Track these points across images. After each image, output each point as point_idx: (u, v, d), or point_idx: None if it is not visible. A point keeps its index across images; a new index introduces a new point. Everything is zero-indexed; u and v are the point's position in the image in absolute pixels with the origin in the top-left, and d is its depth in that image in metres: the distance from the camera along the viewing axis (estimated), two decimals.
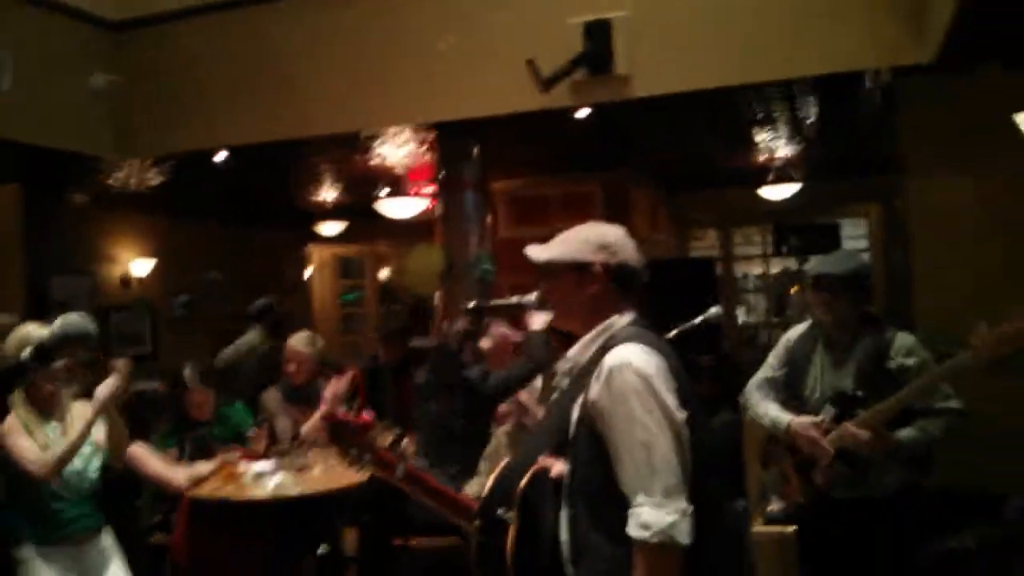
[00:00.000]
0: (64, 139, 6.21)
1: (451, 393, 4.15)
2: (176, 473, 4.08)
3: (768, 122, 6.79)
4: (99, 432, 3.39)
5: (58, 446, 3.16)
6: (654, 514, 1.84)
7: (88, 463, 3.36)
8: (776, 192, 8.90)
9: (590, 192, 8.61)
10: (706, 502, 1.96)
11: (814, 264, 3.53)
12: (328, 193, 9.36)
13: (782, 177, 8.69)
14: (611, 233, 2.16)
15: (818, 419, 3.19)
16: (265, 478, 4.10)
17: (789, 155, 8.20)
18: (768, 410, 3.35)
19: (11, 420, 3.21)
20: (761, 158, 8.31)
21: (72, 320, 1.86)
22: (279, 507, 3.98)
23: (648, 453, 1.87)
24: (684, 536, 1.86)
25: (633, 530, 1.86)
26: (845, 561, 3.23)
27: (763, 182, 8.80)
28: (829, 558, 3.27)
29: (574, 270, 2.11)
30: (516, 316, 3.94)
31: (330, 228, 10.33)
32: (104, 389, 3.16)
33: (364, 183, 8.15)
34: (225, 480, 4.06)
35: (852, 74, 4.94)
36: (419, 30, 5.65)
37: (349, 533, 5.09)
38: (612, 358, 1.97)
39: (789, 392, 3.38)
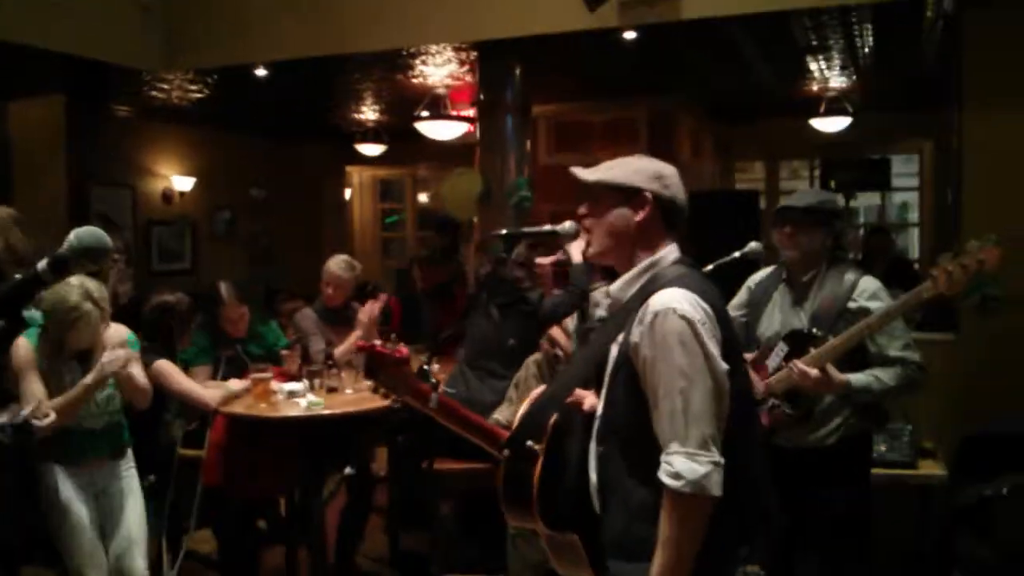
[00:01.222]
0: (110, 51, 6.19)
1: (503, 312, 4.19)
2: (207, 392, 4.13)
3: (822, 50, 6.54)
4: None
5: (59, 402, 3.18)
6: (687, 464, 1.81)
7: (108, 402, 3.42)
8: (826, 124, 8.63)
9: (634, 118, 8.43)
10: (745, 452, 1.93)
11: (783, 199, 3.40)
12: (368, 112, 9.28)
13: (833, 109, 8.42)
14: (666, 168, 2.07)
15: (750, 356, 3.07)
16: (297, 397, 4.14)
17: (842, 86, 7.94)
18: None
19: (24, 353, 3.24)
20: (813, 88, 8.05)
21: (88, 233, 1.84)
22: (310, 426, 4.02)
23: (686, 402, 1.83)
24: (715, 488, 1.82)
25: (665, 477, 1.83)
26: (789, 514, 3.15)
27: (813, 114, 8.54)
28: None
29: (624, 196, 2.02)
30: (550, 245, 3.89)
31: (370, 149, 10.25)
32: (109, 365, 3.20)
33: (405, 103, 8.05)
34: (258, 398, 4.09)
35: (914, 1, 4.72)
36: None
37: (380, 453, 5.17)
38: (657, 301, 1.89)
39: (746, 332, 3.26)
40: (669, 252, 2.02)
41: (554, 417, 2.13)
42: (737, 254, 3.57)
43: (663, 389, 1.85)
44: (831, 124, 8.62)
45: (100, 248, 1.86)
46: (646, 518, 1.89)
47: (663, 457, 1.85)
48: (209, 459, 4.08)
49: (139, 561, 3.47)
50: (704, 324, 1.87)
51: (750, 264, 3.55)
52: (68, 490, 3.34)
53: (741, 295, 3.39)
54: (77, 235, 1.83)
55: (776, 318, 3.20)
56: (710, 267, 3.49)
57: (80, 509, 3.35)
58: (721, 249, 3.59)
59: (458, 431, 2.03)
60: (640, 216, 2.01)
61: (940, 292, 2.75)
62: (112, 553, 3.43)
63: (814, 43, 6.25)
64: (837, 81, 7.72)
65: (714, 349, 1.87)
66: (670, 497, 1.83)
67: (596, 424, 2.07)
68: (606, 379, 2.05)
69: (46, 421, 2.81)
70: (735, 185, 10.72)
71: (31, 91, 7.59)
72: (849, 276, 3.09)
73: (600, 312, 3.66)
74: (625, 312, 1.98)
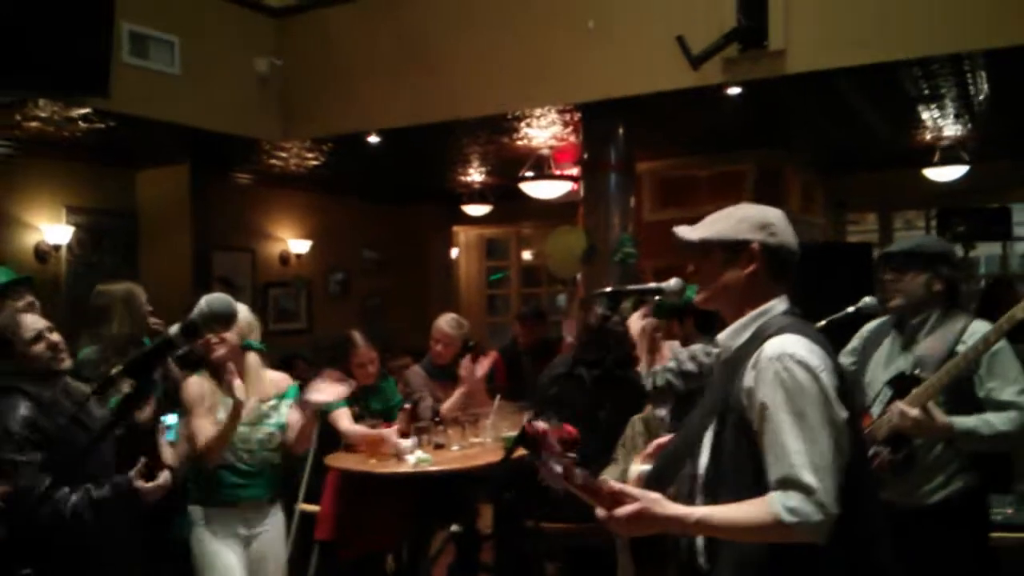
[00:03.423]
0: (231, 123, 6.55)
1: (598, 384, 4.09)
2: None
3: (934, 99, 6.38)
4: (291, 414, 3.51)
5: (215, 431, 3.29)
6: (807, 507, 1.76)
7: (267, 440, 3.47)
8: (941, 174, 8.36)
9: (742, 172, 8.32)
10: (861, 505, 1.87)
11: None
12: (475, 174, 9.48)
13: (948, 158, 8.16)
14: (771, 213, 2.04)
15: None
16: (406, 454, 4.19)
17: (956, 134, 7.70)
18: None
19: (194, 389, 3.39)
20: (926, 137, 7.83)
21: (218, 299, 1.93)
22: (417, 482, 4.06)
23: (805, 447, 1.78)
24: (822, 538, 1.77)
25: (778, 505, 1.77)
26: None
27: (927, 163, 8.29)
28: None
29: (730, 249, 2.00)
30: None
31: (476, 209, 10.45)
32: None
33: (510, 164, 8.21)
34: (369, 454, 4.17)
35: None
36: (566, 9, 5.63)
37: (486, 511, 5.17)
38: (772, 347, 1.87)
39: (853, 380, 3.10)
40: (779, 302, 1.99)
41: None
42: (851, 309, 3.47)
43: (780, 434, 1.81)
44: (946, 173, 8.35)
45: (228, 313, 1.96)
46: (754, 573, 1.85)
47: (782, 489, 1.78)
48: (322, 514, 4.16)
49: None
50: (823, 371, 1.84)
51: (865, 319, 3.45)
52: (216, 534, 3.37)
53: (853, 343, 3.30)
54: (208, 301, 1.93)
55: (883, 364, 3.10)
56: (823, 323, 3.41)
57: (228, 555, 3.38)
58: (834, 304, 3.51)
59: (588, 499, 1.95)
60: (749, 269, 1.99)
61: None
62: None
63: (925, 92, 6.10)
64: (951, 130, 7.50)
65: (833, 397, 1.84)
66: (773, 520, 1.77)
67: (702, 476, 2.02)
68: (711, 429, 2.01)
69: (153, 484, 2.81)
70: (848, 238, 10.44)
71: (157, 161, 8.05)
72: (960, 321, 2.97)
73: (688, 365, 3.56)
74: (736, 360, 1.95)
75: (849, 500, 1.81)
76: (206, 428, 3.32)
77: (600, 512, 1.88)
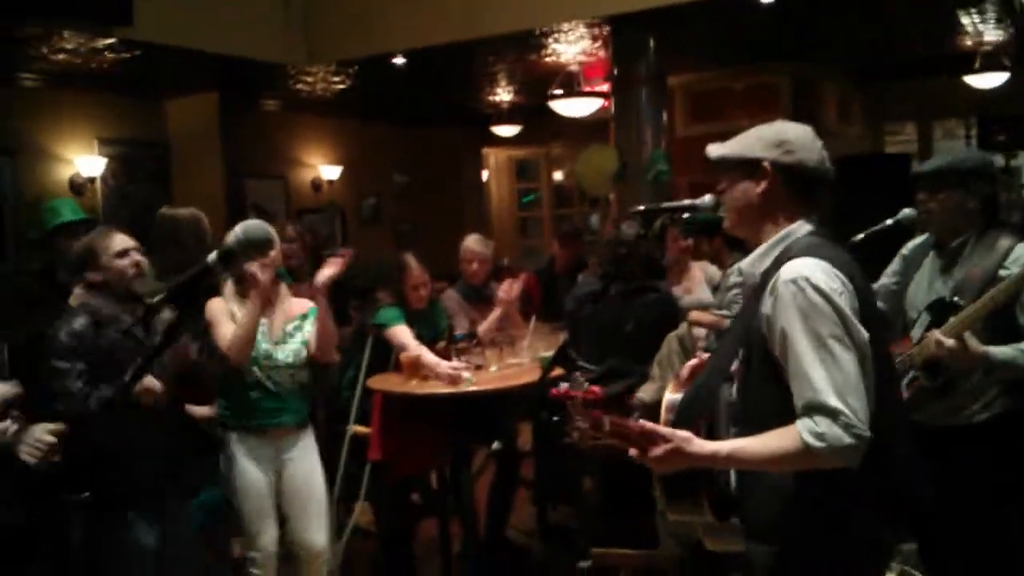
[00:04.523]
0: (256, 49, 6.51)
1: (628, 299, 4.08)
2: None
3: (974, 3, 6.15)
4: (309, 329, 3.55)
5: (236, 330, 3.31)
6: (834, 430, 1.74)
7: (294, 357, 3.51)
8: (982, 81, 8.13)
9: (776, 84, 8.17)
10: (889, 430, 1.85)
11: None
12: (503, 94, 9.36)
13: (989, 64, 7.92)
14: (792, 130, 1.97)
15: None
16: (452, 378, 4.23)
17: (998, 39, 7.44)
18: None
19: (217, 306, 3.42)
20: (966, 43, 7.59)
21: (254, 225, 1.95)
22: (457, 403, 4.12)
23: (826, 371, 1.76)
24: (853, 461, 1.76)
25: (805, 432, 1.75)
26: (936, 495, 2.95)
27: (968, 70, 8.05)
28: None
29: (745, 168, 1.96)
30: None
31: (505, 130, 10.35)
32: (320, 276, 3.37)
33: (538, 83, 8.09)
34: (409, 376, 4.22)
35: None
36: None
37: (525, 429, 5.25)
38: (786, 271, 1.83)
39: (895, 301, 3.09)
40: (803, 224, 1.95)
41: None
42: (889, 222, 3.39)
43: (802, 360, 1.78)
44: (987, 80, 8.12)
45: (265, 239, 1.98)
46: (783, 502, 1.87)
47: (807, 416, 1.77)
48: (372, 436, 4.25)
49: (320, 535, 3.57)
50: (840, 293, 1.81)
51: (907, 232, 3.39)
52: (244, 456, 3.43)
53: (895, 263, 3.23)
54: (244, 228, 1.94)
55: (923, 287, 3.03)
56: (860, 236, 3.35)
57: (257, 477, 3.44)
58: (873, 217, 3.44)
59: (619, 444, 1.93)
60: (761, 187, 1.95)
61: None
62: (295, 528, 3.54)
63: None
64: (992, 35, 7.27)
65: (853, 318, 1.80)
66: (801, 447, 1.76)
67: (734, 407, 2.02)
68: (738, 358, 1.99)
69: (147, 385, 2.91)
70: (886, 149, 10.24)
71: (185, 90, 8.04)
72: (1003, 242, 2.86)
73: (733, 293, 3.54)
74: (759, 288, 1.93)
75: (874, 425, 1.78)
76: (230, 329, 3.35)
77: (633, 451, 1.90)
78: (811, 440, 1.74)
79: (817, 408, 1.76)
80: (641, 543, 3.90)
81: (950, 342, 2.71)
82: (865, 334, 1.81)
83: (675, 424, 2.00)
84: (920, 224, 3.09)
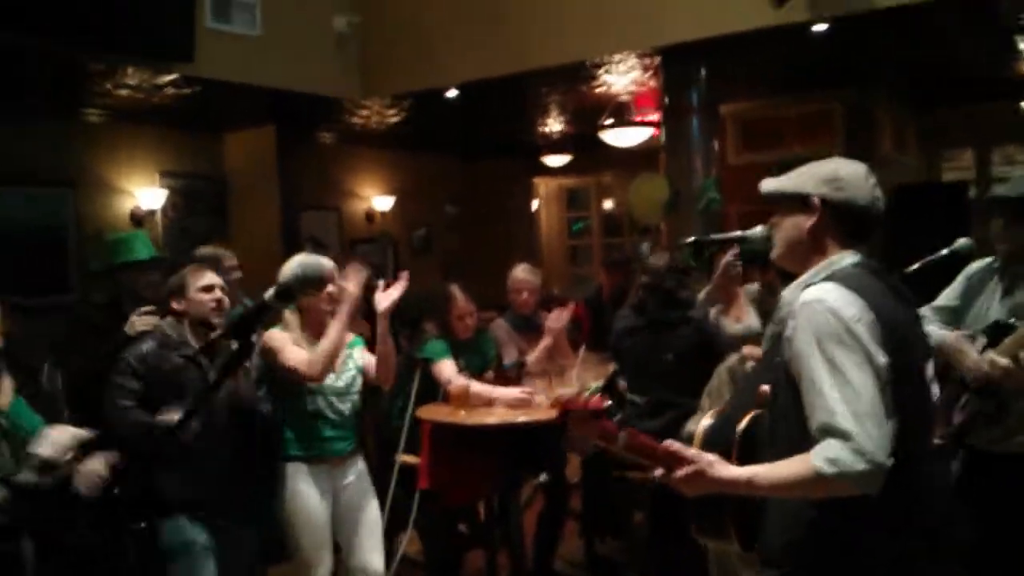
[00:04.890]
0: (312, 83, 6.64)
1: (662, 331, 4.03)
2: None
3: None
4: (363, 356, 3.64)
5: (321, 345, 3.36)
6: (848, 455, 1.71)
7: (350, 384, 3.58)
8: None
9: (829, 112, 8.06)
10: (916, 464, 1.83)
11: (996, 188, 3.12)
12: (553, 124, 9.42)
13: None
14: (845, 168, 2.00)
15: (966, 332, 2.85)
16: (493, 406, 4.25)
17: None
18: (928, 328, 3.02)
19: (279, 335, 3.47)
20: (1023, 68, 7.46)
21: (310, 261, 1.99)
22: (506, 433, 4.12)
23: (840, 393, 1.75)
24: (871, 488, 1.73)
25: (817, 459, 1.74)
26: (990, 522, 2.86)
27: None
28: (972, 515, 2.89)
29: (795, 203, 2.00)
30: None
31: (556, 160, 10.41)
32: (350, 285, 3.45)
33: (589, 113, 8.13)
34: (458, 407, 4.24)
35: None
36: None
37: (573, 460, 5.22)
38: (807, 295, 1.86)
39: (954, 319, 3.06)
40: (848, 256, 1.96)
41: (742, 426, 2.08)
42: (945, 251, 3.36)
43: (818, 382, 1.78)
44: None
45: (320, 276, 2.02)
46: (796, 527, 1.86)
47: (822, 441, 1.75)
48: (421, 465, 4.27)
49: (379, 558, 3.61)
50: (857, 319, 1.80)
51: (963, 260, 3.34)
52: (307, 487, 3.47)
53: (957, 285, 3.20)
54: (301, 265, 1.98)
55: (984, 310, 3.01)
56: (916, 266, 3.32)
57: (318, 506, 3.47)
58: (929, 245, 3.41)
59: (644, 462, 1.97)
60: (810, 223, 1.97)
61: None
62: (353, 552, 3.58)
63: (1022, 22, 5.79)
64: None
65: (870, 342, 1.79)
66: (814, 473, 1.74)
67: (767, 431, 2.01)
68: (772, 382, 2.00)
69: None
70: (943, 176, 10.06)
71: (243, 124, 8.23)
72: None
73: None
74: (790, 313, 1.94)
75: (896, 455, 1.76)
76: (303, 352, 3.41)
77: (658, 472, 1.91)
78: (822, 466, 1.73)
79: (830, 430, 1.75)
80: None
81: (1004, 361, 2.69)
82: (883, 360, 1.79)
83: (709, 444, 2.03)
84: (997, 248, 3.05)
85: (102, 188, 7.62)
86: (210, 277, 3.32)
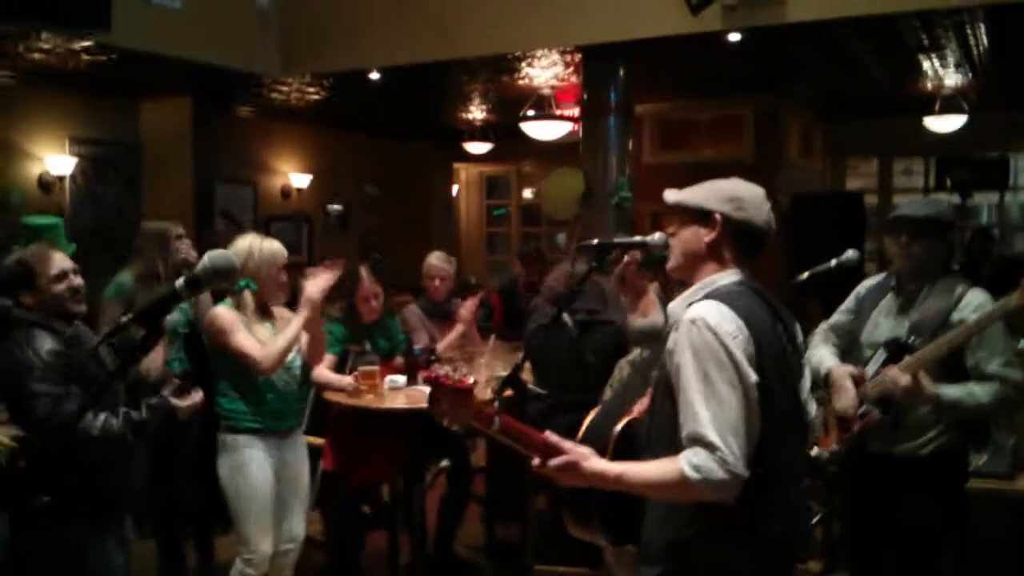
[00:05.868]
0: (232, 57, 6.55)
1: (583, 330, 4.08)
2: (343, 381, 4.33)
3: (935, 49, 6.38)
4: (302, 335, 3.62)
5: (278, 341, 3.41)
6: (710, 464, 1.85)
7: (294, 361, 3.61)
8: (941, 123, 8.39)
9: (740, 116, 8.35)
10: (775, 474, 1.96)
11: (897, 207, 3.34)
12: (476, 112, 9.49)
13: (948, 107, 8.18)
14: (745, 189, 2.12)
15: (856, 370, 3.06)
16: (400, 390, 4.32)
17: (957, 84, 7.70)
18: (817, 355, 3.22)
19: (230, 317, 3.46)
20: (926, 86, 7.84)
21: (220, 256, 2.04)
22: (411, 418, 4.19)
23: (710, 407, 1.87)
24: (728, 496, 1.87)
25: (684, 463, 1.86)
26: (877, 518, 3.13)
27: (928, 112, 8.31)
28: (863, 513, 3.19)
29: (697, 216, 2.11)
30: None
31: (477, 147, 10.47)
32: (314, 287, 3.48)
33: (511, 103, 8.22)
34: (366, 390, 4.29)
35: None
36: None
37: (480, 445, 5.34)
38: (690, 312, 1.97)
39: (850, 338, 3.26)
40: (731, 274, 2.07)
41: (619, 428, 2.20)
42: (833, 263, 3.54)
43: (691, 394, 1.90)
44: (946, 123, 8.38)
45: (230, 269, 2.07)
46: (672, 528, 1.98)
47: (689, 448, 1.88)
48: (326, 446, 4.32)
49: (302, 527, 3.71)
50: (733, 337, 1.91)
51: (848, 271, 3.52)
52: (256, 460, 3.49)
53: (849, 301, 3.37)
54: (210, 258, 2.03)
55: (880, 325, 3.18)
56: (805, 275, 3.48)
57: (267, 479, 3.51)
58: (826, 253, 3.56)
59: (521, 450, 2.04)
60: (709, 237, 2.08)
61: None
62: (284, 518, 3.63)
63: (926, 43, 6.11)
64: (951, 79, 7.51)
65: (742, 360, 1.91)
66: (679, 476, 1.86)
67: (645, 435, 2.13)
68: (651, 390, 2.11)
69: (188, 401, 3.02)
70: (846, 183, 10.48)
71: (159, 93, 8.06)
72: (958, 289, 3.03)
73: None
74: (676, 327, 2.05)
75: (757, 467, 1.89)
76: (258, 342, 3.43)
77: (534, 461, 2.01)
78: (688, 471, 1.85)
79: (697, 440, 1.87)
80: (590, 563, 3.99)
81: (906, 380, 2.87)
82: (754, 378, 1.91)
83: (583, 443, 2.11)
84: (892, 265, 3.21)
85: (8, 152, 7.39)
86: (60, 261, 2.88)
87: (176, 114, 8.20)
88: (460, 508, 4.79)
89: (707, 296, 2.02)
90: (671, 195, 2.18)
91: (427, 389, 4.16)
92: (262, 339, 3.47)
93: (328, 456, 4.35)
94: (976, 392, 2.90)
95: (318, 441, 4.38)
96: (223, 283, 2.06)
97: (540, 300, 4.39)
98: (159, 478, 3.83)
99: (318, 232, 10.50)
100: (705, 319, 1.93)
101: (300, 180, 10.19)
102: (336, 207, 10.72)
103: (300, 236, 10.23)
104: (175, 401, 2.99)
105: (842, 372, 3.10)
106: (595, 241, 2.81)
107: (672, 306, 2.13)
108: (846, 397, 3.03)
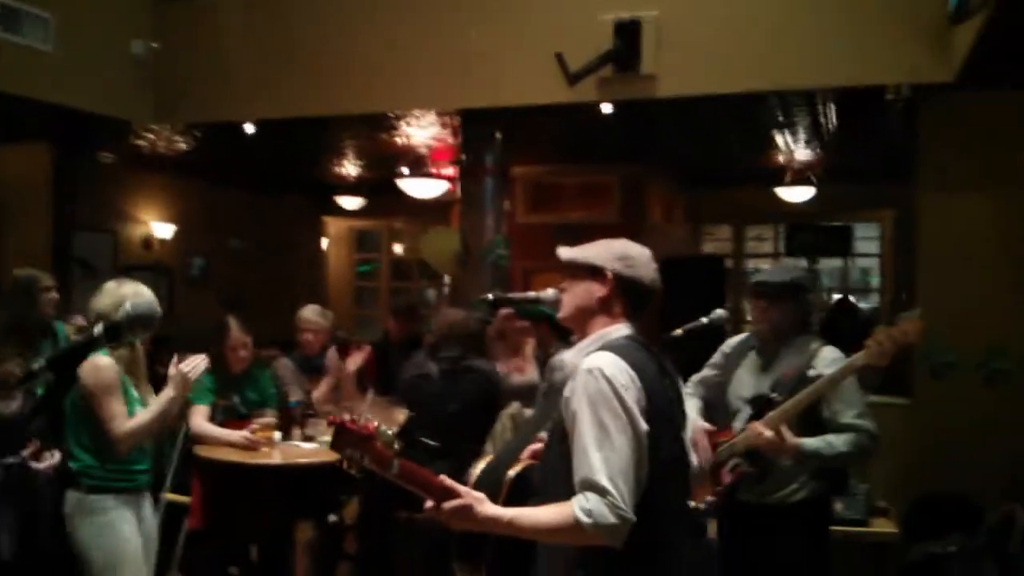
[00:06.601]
0: (103, 102, 6.36)
1: (449, 379, 4.12)
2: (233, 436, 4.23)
3: (788, 126, 6.88)
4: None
5: (145, 419, 3.25)
6: (601, 508, 1.93)
7: None
8: (791, 193, 9.00)
9: (607, 183, 8.74)
10: (662, 520, 2.06)
11: (757, 273, 3.62)
12: (349, 167, 9.49)
13: (798, 179, 8.79)
14: (634, 249, 2.25)
15: (711, 428, 3.30)
16: (274, 445, 4.25)
17: (807, 159, 8.29)
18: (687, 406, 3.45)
19: (112, 376, 3.22)
20: (779, 160, 8.40)
21: (143, 303, 2.01)
22: (285, 474, 4.12)
23: (607, 454, 1.96)
24: (617, 541, 1.95)
25: (577, 508, 1.94)
26: (751, 566, 3.33)
27: (779, 183, 8.90)
28: (737, 560, 3.38)
29: (590, 272, 2.22)
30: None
31: (349, 202, 10.46)
32: (193, 371, 3.31)
33: (386, 160, 8.28)
34: (263, 443, 4.20)
35: (874, 88, 5.04)
36: (451, 16, 5.75)
37: (352, 503, 5.26)
38: (587, 362, 2.07)
39: (718, 390, 3.50)
40: (621, 328, 2.19)
41: (510, 474, 2.26)
42: (704, 320, 3.74)
43: (583, 440, 1.99)
44: (796, 193, 8.98)
45: (152, 316, 2.03)
46: (561, 570, 2.05)
47: (581, 493, 1.96)
48: (193, 503, 4.17)
49: None
50: (626, 388, 2.02)
51: (717, 328, 3.73)
52: (125, 522, 3.33)
53: (716, 357, 3.61)
54: (133, 304, 1.99)
55: (745, 382, 3.40)
56: (680, 331, 3.66)
57: (136, 544, 3.36)
58: (689, 314, 3.75)
59: (418, 492, 2.07)
60: (601, 292, 2.19)
61: (870, 362, 2.94)
62: None
63: (781, 119, 6.58)
64: (802, 154, 8.07)
65: (634, 409, 2.01)
66: (571, 520, 1.94)
67: (538, 480, 2.21)
68: (546, 436, 2.20)
69: (45, 463, 2.88)
70: (703, 246, 11.01)
71: (17, 138, 7.71)
72: (812, 345, 3.29)
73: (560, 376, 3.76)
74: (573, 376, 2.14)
75: (645, 512, 1.99)
76: (122, 415, 3.25)
77: (428, 504, 2.05)
78: (580, 515, 1.93)
79: (589, 485, 1.95)
80: None
81: (769, 434, 3.08)
82: (644, 427, 2.02)
83: (475, 489, 2.15)
84: (753, 328, 3.46)
85: None
86: None
87: (34, 159, 7.89)
88: (331, 566, 4.71)
89: (602, 348, 2.11)
90: (565, 252, 2.28)
91: (305, 445, 4.21)
92: (149, 401, 3.35)
93: (195, 513, 4.21)
94: (834, 442, 3.14)
95: (183, 499, 4.23)
96: (144, 332, 2.03)
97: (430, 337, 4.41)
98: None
99: (179, 284, 10.17)
100: (602, 369, 2.02)
101: (164, 230, 9.89)
102: (199, 259, 10.44)
103: (159, 287, 9.86)
104: (33, 463, 2.83)
105: (698, 428, 3.29)
106: (490, 296, 2.89)
107: (568, 355, 2.22)
108: (703, 453, 3.23)
